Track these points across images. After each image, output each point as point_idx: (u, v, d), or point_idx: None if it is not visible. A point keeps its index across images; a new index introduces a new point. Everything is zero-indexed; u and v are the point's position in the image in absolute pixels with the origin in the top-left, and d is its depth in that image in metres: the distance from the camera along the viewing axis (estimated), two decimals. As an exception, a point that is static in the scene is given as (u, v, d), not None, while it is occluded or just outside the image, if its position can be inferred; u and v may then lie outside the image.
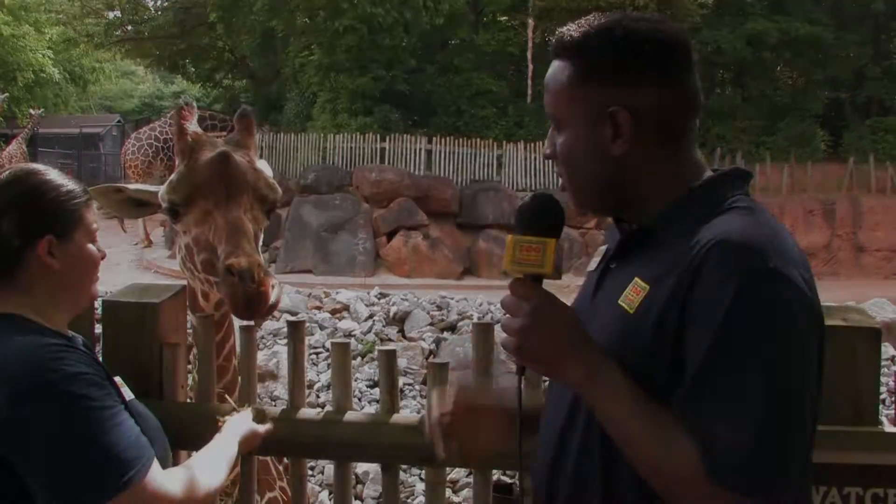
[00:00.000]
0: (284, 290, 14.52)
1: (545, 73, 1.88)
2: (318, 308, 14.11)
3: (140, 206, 2.98)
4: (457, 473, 7.62)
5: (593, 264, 1.99)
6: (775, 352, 1.51)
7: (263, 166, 2.86)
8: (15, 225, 2.09)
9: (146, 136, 24.79)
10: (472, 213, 21.86)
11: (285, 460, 3.27)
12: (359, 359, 11.08)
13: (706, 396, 1.52)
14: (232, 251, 2.48)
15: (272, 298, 2.48)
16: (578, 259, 21.14)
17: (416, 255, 20.67)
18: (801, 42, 28.47)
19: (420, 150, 23.86)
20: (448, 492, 6.67)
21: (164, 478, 2.03)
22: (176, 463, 2.35)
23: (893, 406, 5.56)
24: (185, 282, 2.86)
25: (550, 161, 1.95)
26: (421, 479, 8.26)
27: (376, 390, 10.59)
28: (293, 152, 24.76)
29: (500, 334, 1.76)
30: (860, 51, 30.65)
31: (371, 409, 9.92)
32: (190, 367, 2.90)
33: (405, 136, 24.22)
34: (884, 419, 5.51)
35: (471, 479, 8.04)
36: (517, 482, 2.77)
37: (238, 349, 2.85)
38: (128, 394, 2.20)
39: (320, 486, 7.94)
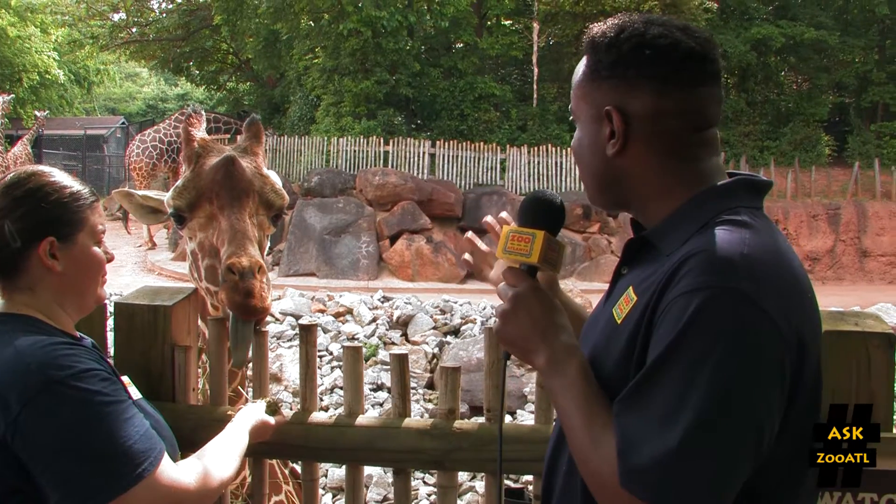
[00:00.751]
0: (288, 293, 14.58)
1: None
2: (322, 311, 14.14)
3: (153, 212, 2.99)
4: (459, 477, 7.59)
5: None
6: (720, 375, 1.44)
7: (273, 175, 2.86)
8: (16, 227, 2.09)
9: (150, 139, 24.87)
10: (475, 217, 21.82)
11: (291, 464, 3.27)
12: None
13: (640, 404, 1.49)
14: (234, 252, 2.50)
15: (267, 302, 2.50)
16: (582, 263, 21.14)
17: (420, 259, 20.66)
18: (807, 47, 28.53)
19: (423, 153, 23.86)
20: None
21: (175, 469, 2.03)
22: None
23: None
24: (195, 285, 2.86)
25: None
26: (424, 482, 8.27)
27: (379, 393, 10.60)
28: (297, 155, 24.80)
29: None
30: (865, 56, 30.70)
31: (374, 412, 9.93)
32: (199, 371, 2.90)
33: (409, 139, 24.24)
34: None
35: (473, 484, 8.07)
36: (528, 487, 2.77)
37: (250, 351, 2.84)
38: (135, 393, 2.20)
39: (323, 489, 7.95)
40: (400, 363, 2.63)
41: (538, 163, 23.88)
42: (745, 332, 1.46)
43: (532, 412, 10.03)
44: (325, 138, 24.58)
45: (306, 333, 2.71)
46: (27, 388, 1.90)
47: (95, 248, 2.20)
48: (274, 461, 2.95)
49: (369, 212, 21.58)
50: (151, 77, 60.08)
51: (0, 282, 2.14)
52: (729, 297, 1.47)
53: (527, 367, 10.67)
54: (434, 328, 13.33)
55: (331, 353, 12.04)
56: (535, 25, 27.36)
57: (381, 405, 10.21)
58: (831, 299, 15.10)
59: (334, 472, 8.14)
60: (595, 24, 1.81)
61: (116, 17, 36.48)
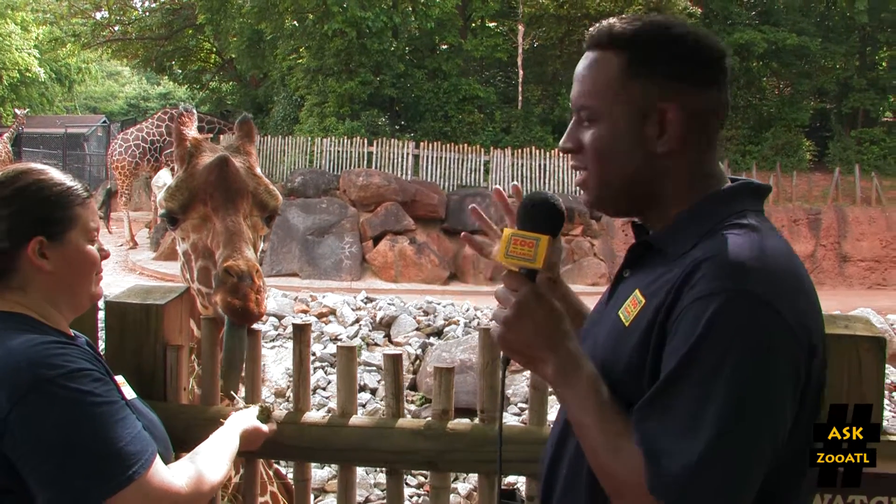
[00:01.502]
0: (271, 293, 14.53)
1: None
2: (305, 311, 14.10)
3: None
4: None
5: None
6: (739, 379, 1.46)
7: (266, 180, 2.85)
8: (3, 227, 2.06)
9: (133, 137, 24.75)
10: (458, 218, 21.85)
11: (274, 465, 3.26)
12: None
13: (662, 412, 1.51)
14: (230, 254, 2.47)
15: (263, 306, 2.47)
16: (564, 266, 21.14)
17: (403, 260, 20.65)
18: (788, 52, 28.69)
19: (407, 154, 23.86)
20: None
21: (167, 472, 2.02)
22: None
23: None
24: (186, 284, 2.85)
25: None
26: (407, 484, 8.26)
27: (362, 395, 10.56)
28: (280, 155, 24.73)
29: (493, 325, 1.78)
30: (846, 62, 30.91)
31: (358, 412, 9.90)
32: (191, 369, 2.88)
33: (392, 140, 24.24)
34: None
35: (457, 486, 8.07)
36: (519, 488, 2.77)
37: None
38: (129, 393, 2.18)
39: (308, 489, 7.90)
40: (394, 364, 2.63)
41: (522, 165, 23.92)
42: (762, 334, 1.48)
43: (516, 413, 10.06)
44: (309, 138, 24.54)
45: (300, 333, 2.70)
46: (17, 387, 1.87)
47: (88, 246, 2.17)
48: (259, 461, 2.94)
49: (353, 212, 21.56)
50: (133, 76, 59.82)
51: None
52: (745, 301, 1.49)
53: (511, 368, 10.68)
54: (417, 329, 13.31)
55: (313, 354, 12.00)
56: (520, 28, 27.39)
57: (363, 406, 10.19)
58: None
59: (316, 473, 8.11)
60: (604, 20, 1.80)
61: (99, 15, 36.28)
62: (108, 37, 35.98)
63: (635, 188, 1.78)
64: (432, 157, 23.93)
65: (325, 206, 21.57)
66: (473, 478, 7.58)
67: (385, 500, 7.16)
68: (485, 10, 27.92)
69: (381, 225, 21.25)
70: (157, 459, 1.99)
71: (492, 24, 30.86)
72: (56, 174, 2.18)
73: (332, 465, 7.16)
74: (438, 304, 14.79)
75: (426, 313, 14.16)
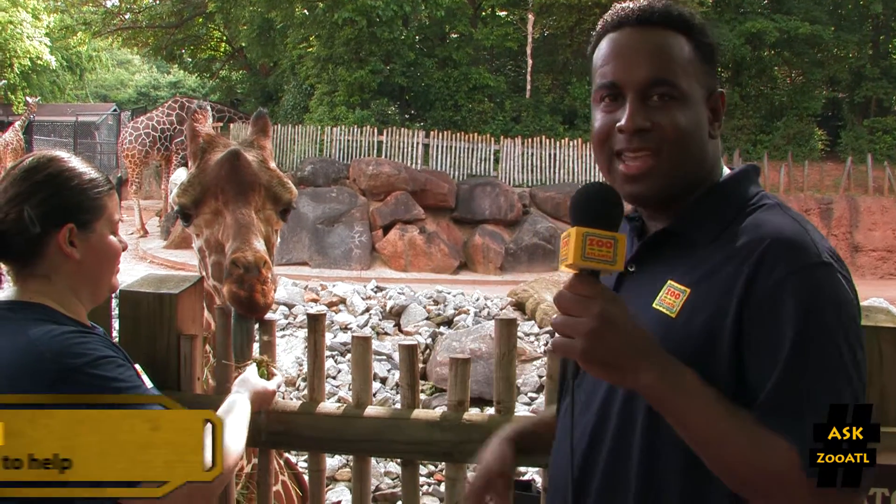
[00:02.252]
0: (280, 282, 14.54)
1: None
2: (315, 300, 14.10)
3: None
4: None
5: None
6: (850, 346, 1.53)
7: (281, 173, 2.83)
8: (36, 212, 2.04)
9: (143, 126, 24.78)
10: (468, 207, 21.84)
11: (285, 454, 3.25)
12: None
13: (798, 396, 1.51)
14: (238, 247, 2.44)
15: (270, 297, 2.44)
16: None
17: (412, 249, 20.65)
18: (801, 41, 28.51)
19: (417, 143, 23.83)
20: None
21: None
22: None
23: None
24: (200, 273, 2.83)
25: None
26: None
27: (372, 384, 10.58)
28: (290, 144, 24.70)
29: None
30: (859, 51, 30.73)
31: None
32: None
33: (402, 129, 24.20)
34: None
35: (470, 476, 8.07)
36: (535, 479, 2.75)
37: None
38: (147, 382, 2.18)
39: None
40: (409, 354, 2.62)
41: (532, 154, 23.89)
42: (850, 297, 1.58)
43: (526, 403, 10.04)
44: (319, 127, 24.49)
45: (315, 323, 2.69)
46: (42, 377, 1.86)
47: (112, 238, 2.17)
48: (272, 451, 2.93)
49: (362, 201, 21.55)
50: (144, 64, 59.76)
51: (14, 268, 2.10)
52: (825, 271, 1.57)
53: (522, 358, 10.67)
54: (427, 319, 13.31)
55: (324, 343, 11.99)
56: (530, 17, 27.28)
57: (374, 395, 10.18)
58: (824, 294, 15.04)
59: (327, 462, 8.10)
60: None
61: (109, 3, 36.33)
62: (118, 25, 36.02)
63: (697, 174, 1.78)
64: (442, 147, 23.90)
65: (335, 195, 21.56)
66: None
67: (396, 490, 7.18)
68: (495, -2, 27.90)
69: (390, 214, 21.24)
70: None
71: (502, 13, 30.79)
72: (82, 163, 2.17)
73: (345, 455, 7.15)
74: (448, 293, 14.79)
75: (436, 302, 14.16)
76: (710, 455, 1.55)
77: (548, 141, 24.02)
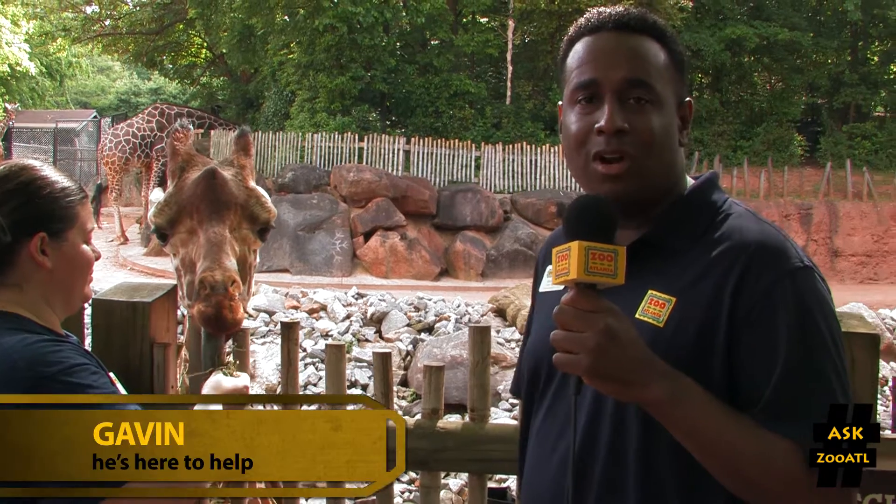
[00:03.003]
0: (261, 289, 14.51)
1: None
2: (296, 307, 14.09)
3: None
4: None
5: (546, 284, 1.91)
6: (836, 346, 1.59)
7: (260, 190, 2.78)
8: (7, 221, 2.02)
9: (123, 133, 24.69)
10: (449, 214, 21.85)
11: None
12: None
13: (799, 396, 1.55)
14: (209, 266, 2.38)
15: (239, 315, 2.39)
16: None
17: (394, 256, 20.64)
18: (780, 47, 28.75)
19: (398, 150, 23.80)
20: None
21: None
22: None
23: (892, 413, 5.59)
24: (174, 281, 2.80)
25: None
26: (398, 480, 8.23)
27: (353, 391, 10.56)
28: (271, 151, 24.61)
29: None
30: (838, 57, 31.00)
31: (349, 409, 9.87)
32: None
33: (383, 136, 24.17)
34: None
35: (448, 482, 8.05)
36: (510, 487, 2.74)
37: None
38: (121, 390, 2.16)
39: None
40: (383, 362, 2.61)
41: (513, 160, 23.89)
42: (830, 299, 1.64)
43: (507, 409, 10.05)
44: (300, 134, 24.42)
45: (288, 331, 2.67)
46: (16, 385, 1.84)
47: (85, 247, 2.15)
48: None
49: (343, 208, 21.52)
50: (124, 71, 59.58)
51: None
52: (808, 274, 1.62)
53: (503, 364, 10.67)
54: (408, 325, 13.32)
55: (304, 350, 11.99)
56: (511, 23, 27.35)
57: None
58: (803, 299, 15.15)
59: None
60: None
61: (89, 9, 36.16)
62: (98, 31, 35.83)
63: (666, 181, 1.79)
64: (423, 153, 23.87)
65: (316, 201, 21.53)
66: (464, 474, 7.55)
67: (374, 499, 7.16)
68: (476, 5, 27.85)
69: (371, 221, 21.21)
70: None
71: (483, 20, 30.83)
72: (54, 171, 2.16)
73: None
74: (429, 299, 14.80)
75: (417, 309, 14.16)
76: (717, 462, 1.55)
77: (529, 147, 24.03)
